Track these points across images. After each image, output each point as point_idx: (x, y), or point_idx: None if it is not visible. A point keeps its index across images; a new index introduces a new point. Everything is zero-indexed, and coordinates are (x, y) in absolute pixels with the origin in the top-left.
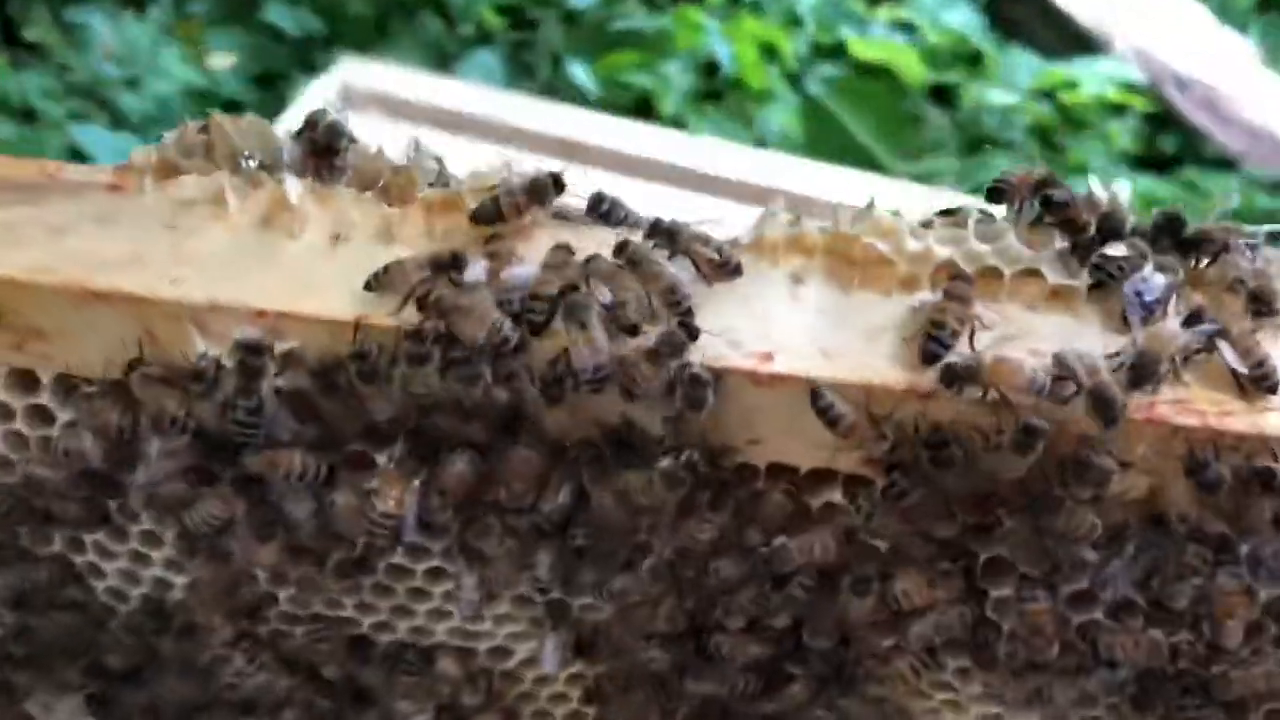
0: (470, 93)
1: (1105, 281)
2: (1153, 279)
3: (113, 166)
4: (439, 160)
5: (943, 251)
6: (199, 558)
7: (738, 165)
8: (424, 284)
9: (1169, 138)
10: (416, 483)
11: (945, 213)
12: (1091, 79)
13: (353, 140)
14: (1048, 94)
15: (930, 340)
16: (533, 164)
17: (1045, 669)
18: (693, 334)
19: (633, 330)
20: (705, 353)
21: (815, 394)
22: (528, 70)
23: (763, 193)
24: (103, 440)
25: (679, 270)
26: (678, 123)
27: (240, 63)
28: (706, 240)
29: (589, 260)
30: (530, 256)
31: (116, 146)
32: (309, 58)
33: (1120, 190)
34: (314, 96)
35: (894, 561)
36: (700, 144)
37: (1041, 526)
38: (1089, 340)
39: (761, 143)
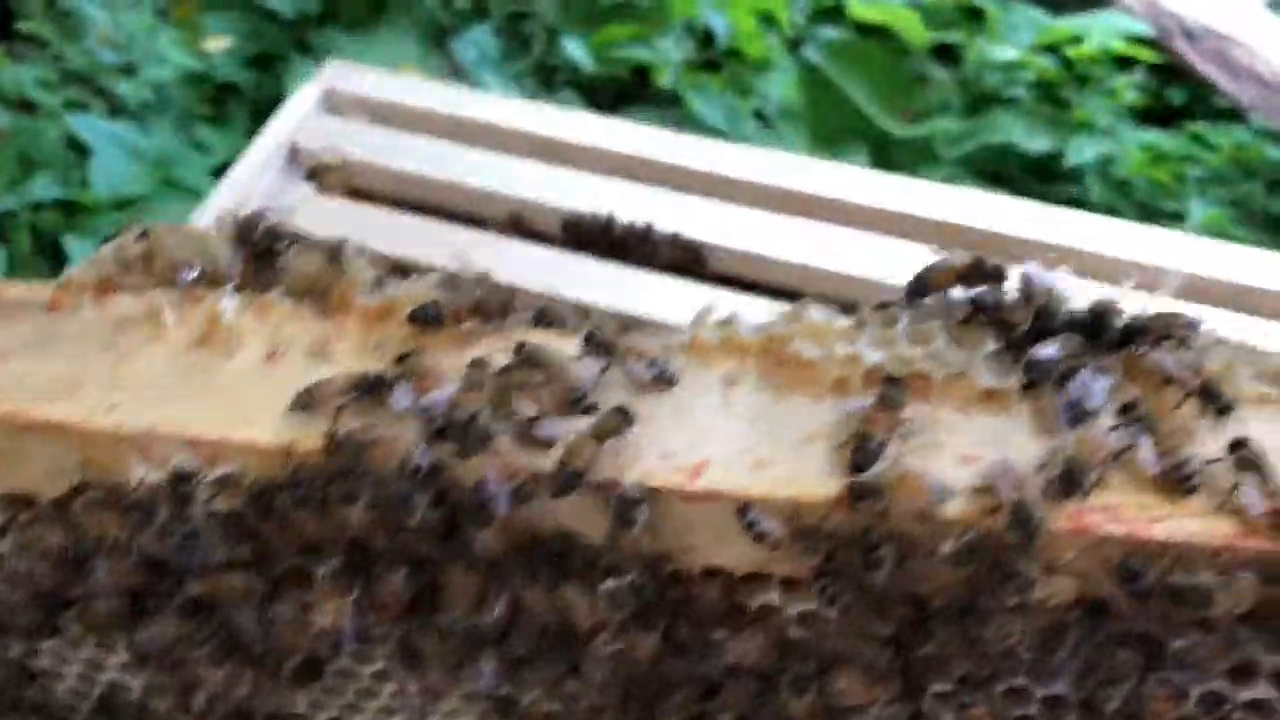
0: (456, 95)
1: (1038, 382)
2: (1090, 384)
3: (54, 285)
4: (381, 261)
5: (873, 356)
6: (151, 669)
7: (734, 163)
8: (343, 409)
9: (1176, 90)
10: (352, 597)
11: (879, 307)
12: (1097, 32)
13: (294, 240)
14: (1052, 49)
15: (858, 451)
16: (520, 167)
17: None
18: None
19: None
20: (638, 469)
21: (741, 511)
22: (525, 45)
23: (767, 192)
24: (48, 561)
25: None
26: (674, 96)
27: (236, 45)
28: (641, 353)
29: (501, 372)
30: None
31: (114, 134)
32: (305, 38)
33: (1056, 280)
34: (299, 103)
35: (832, 660)
36: (690, 142)
37: (969, 632)
38: (1020, 443)
39: (759, 112)
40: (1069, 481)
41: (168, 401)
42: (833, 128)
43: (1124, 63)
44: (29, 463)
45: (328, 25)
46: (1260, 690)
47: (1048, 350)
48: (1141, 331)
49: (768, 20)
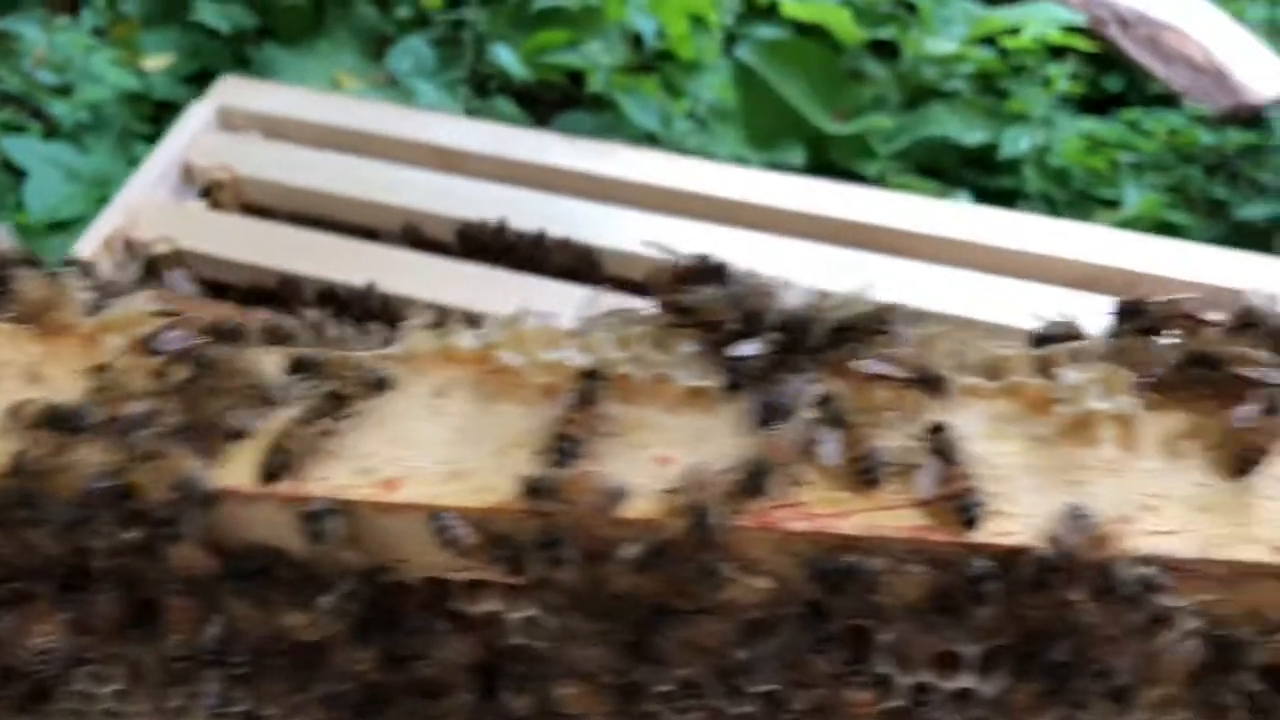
0: (349, 106)
1: (738, 383)
2: (784, 383)
3: None
4: (101, 286)
5: (578, 360)
6: None
7: (624, 167)
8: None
9: (1113, 78)
10: (64, 617)
11: (599, 315)
12: (1032, 22)
13: (32, 263)
14: (990, 40)
15: (557, 453)
16: (413, 177)
17: None
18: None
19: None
20: (333, 481)
21: (433, 519)
22: (460, 54)
23: (659, 194)
24: None
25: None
26: (606, 99)
27: (174, 63)
28: (357, 364)
29: (186, 383)
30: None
31: (50, 156)
32: (243, 54)
33: (777, 283)
34: (192, 120)
35: (554, 665)
36: (580, 146)
37: (677, 634)
38: (720, 443)
39: (693, 113)
40: (752, 481)
41: None
42: (768, 127)
43: (1060, 52)
44: None
45: (265, 40)
46: (965, 680)
47: (746, 349)
48: (850, 329)
49: (700, 22)
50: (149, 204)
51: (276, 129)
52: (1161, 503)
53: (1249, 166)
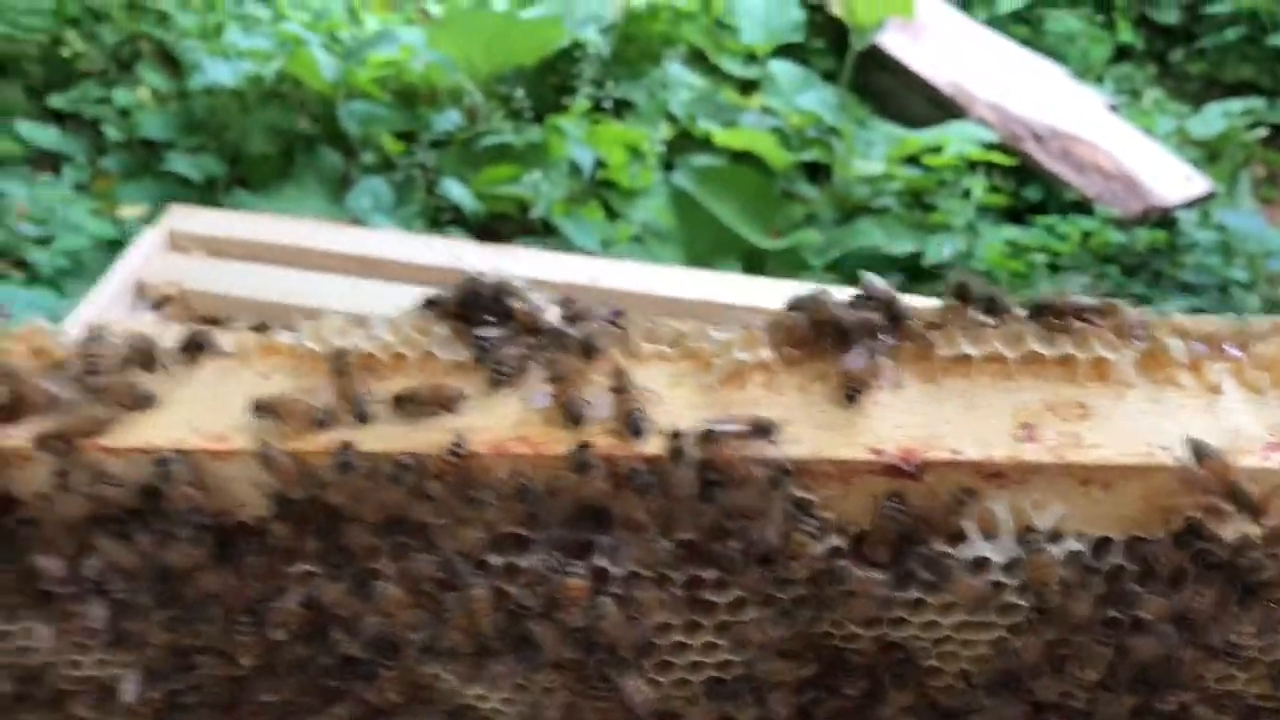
0: (280, 226)
1: (481, 358)
2: (504, 352)
3: None
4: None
5: (346, 343)
6: None
7: (529, 265)
8: None
9: (1031, 188)
10: None
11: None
12: (953, 141)
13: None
14: (914, 159)
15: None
16: (327, 283)
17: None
18: None
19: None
20: (169, 436)
21: (260, 457)
22: (415, 191)
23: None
24: None
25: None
26: (551, 226)
27: (149, 210)
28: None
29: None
30: None
31: (32, 300)
32: (214, 199)
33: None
34: (145, 243)
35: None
36: (492, 250)
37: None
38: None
39: (636, 236)
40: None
41: None
42: (705, 245)
43: (979, 166)
44: None
45: (235, 187)
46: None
47: (488, 332)
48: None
49: (636, 151)
50: (105, 320)
51: (220, 249)
52: (793, 424)
53: (1167, 265)
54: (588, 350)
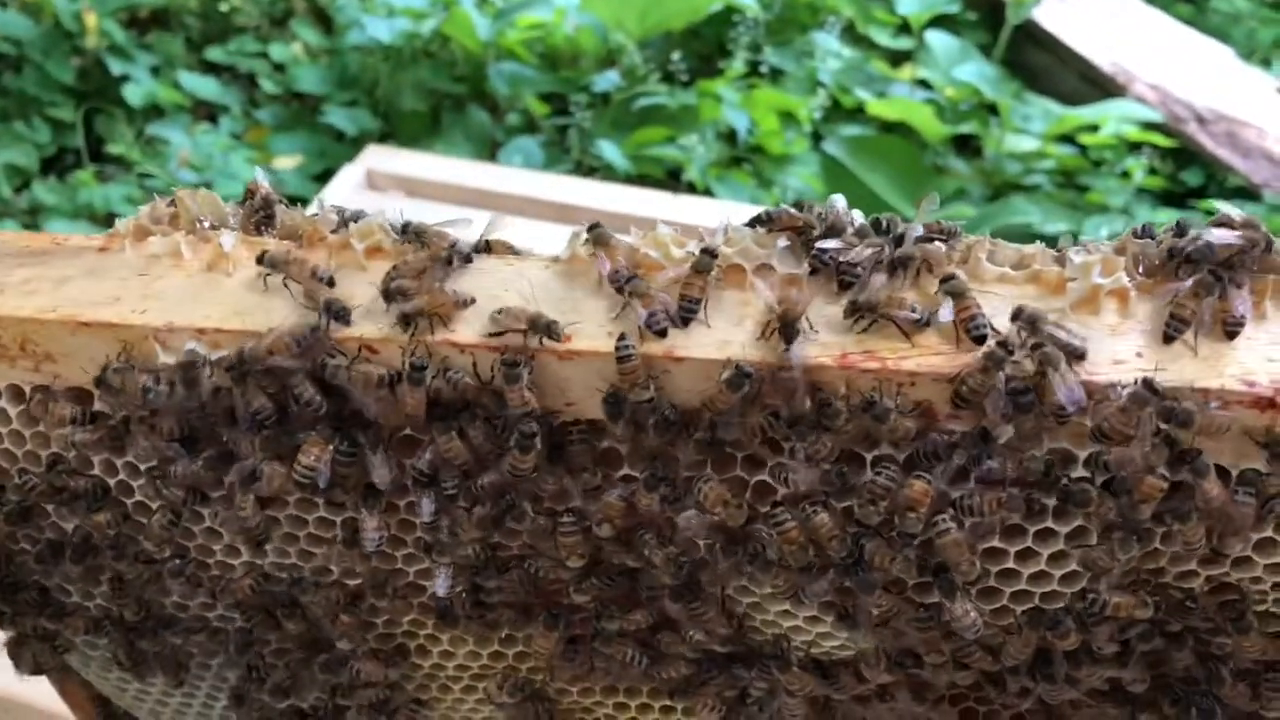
0: (476, 169)
1: (818, 267)
2: (854, 253)
3: (103, 234)
4: (341, 213)
5: (694, 251)
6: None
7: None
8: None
9: (1191, 172)
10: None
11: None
12: (1111, 120)
13: (286, 203)
14: (1069, 138)
15: (683, 306)
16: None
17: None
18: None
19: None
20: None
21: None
22: (567, 151)
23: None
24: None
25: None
26: (693, 188)
27: (303, 162)
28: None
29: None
30: None
31: None
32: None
33: (838, 201)
34: (344, 180)
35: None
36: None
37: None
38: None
39: (782, 201)
40: (786, 330)
41: (183, 307)
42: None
43: (1138, 148)
44: (80, 357)
45: (387, 142)
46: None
47: (829, 243)
48: (921, 237)
49: (790, 118)
50: None
51: (415, 189)
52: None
53: None
54: (930, 267)
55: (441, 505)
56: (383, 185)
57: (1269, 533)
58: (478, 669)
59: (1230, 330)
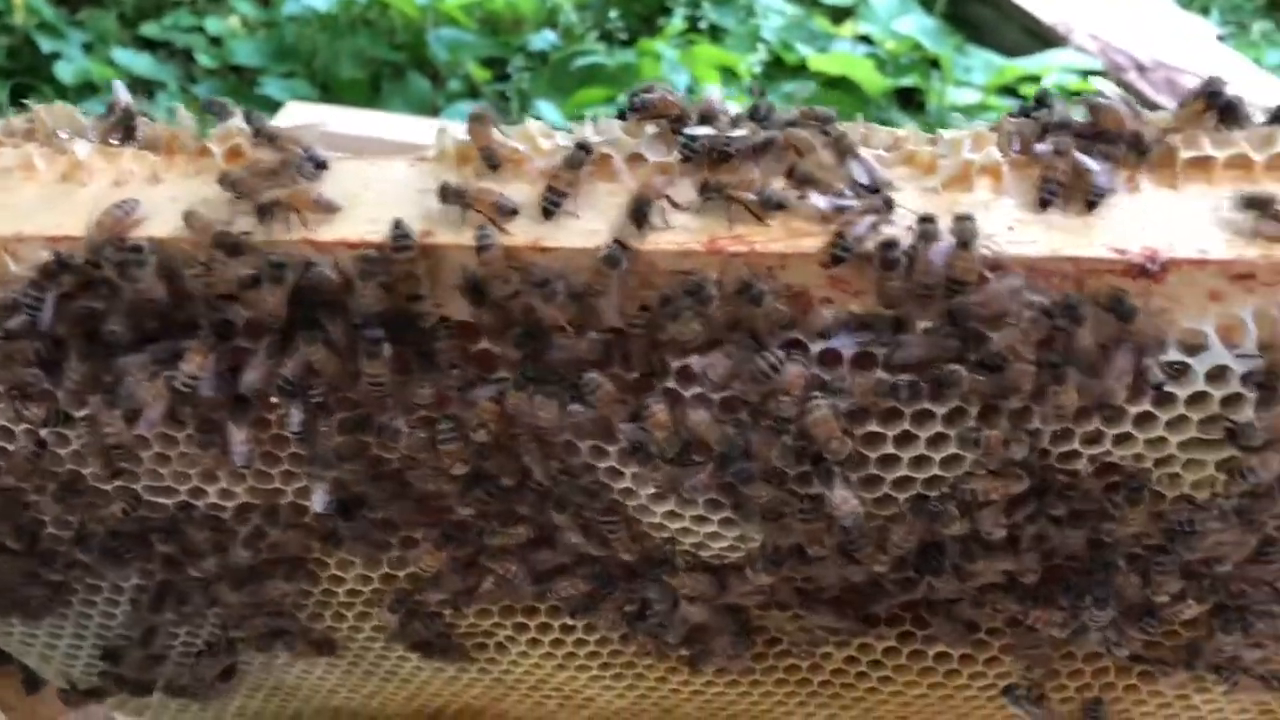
0: (389, 121)
1: (688, 155)
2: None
3: None
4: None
5: (564, 144)
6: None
7: None
8: None
9: None
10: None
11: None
12: (1052, 70)
13: (147, 118)
14: (1010, 90)
15: (547, 198)
16: None
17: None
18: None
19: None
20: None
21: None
22: (507, 116)
23: None
24: None
25: None
26: None
27: None
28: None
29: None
30: None
31: None
32: None
33: (713, 91)
34: None
35: None
36: None
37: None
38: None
39: None
40: (637, 213)
41: (35, 216)
42: None
43: (1080, 96)
44: None
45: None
46: None
47: (699, 130)
48: (789, 121)
49: (731, 74)
50: None
51: (335, 143)
52: (1026, 224)
53: None
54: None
55: (310, 414)
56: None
57: (1147, 407)
58: (369, 594)
59: (1091, 200)
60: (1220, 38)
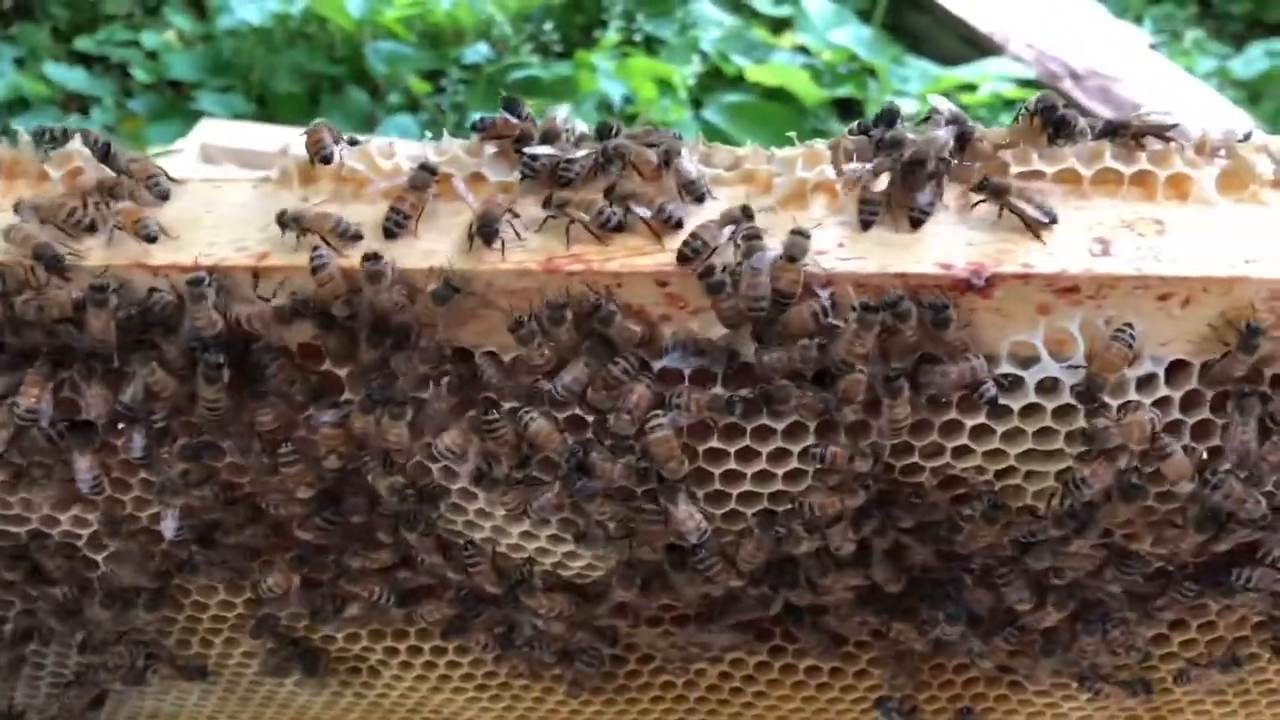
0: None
1: (528, 174)
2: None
3: None
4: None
5: (405, 164)
6: None
7: None
8: None
9: None
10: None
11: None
12: (988, 79)
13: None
14: (948, 98)
15: (390, 219)
16: None
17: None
18: None
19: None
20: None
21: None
22: (443, 130)
23: None
24: None
25: None
26: None
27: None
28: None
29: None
30: None
31: None
32: None
33: (558, 110)
34: (177, 157)
35: None
36: None
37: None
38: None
39: None
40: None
41: None
42: None
43: (1015, 105)
44: None
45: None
46: None
47: (539, 150)
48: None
49: (667, 86)
50: None
51: (248, 160)
52: (858, 241)
53: None
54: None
55: (152, 440)
56: (217, 158)
57: (983, 419)
58: (234, 619)
59: (914, 218)
60: (1153, 46)
